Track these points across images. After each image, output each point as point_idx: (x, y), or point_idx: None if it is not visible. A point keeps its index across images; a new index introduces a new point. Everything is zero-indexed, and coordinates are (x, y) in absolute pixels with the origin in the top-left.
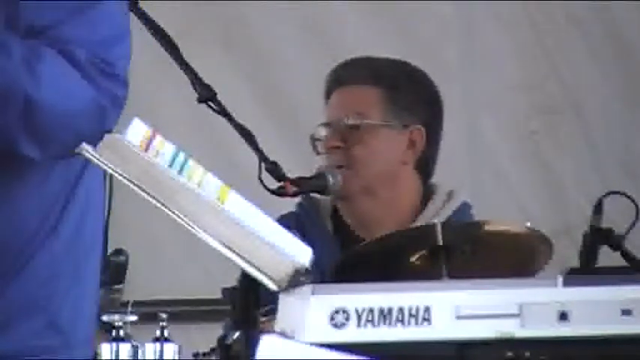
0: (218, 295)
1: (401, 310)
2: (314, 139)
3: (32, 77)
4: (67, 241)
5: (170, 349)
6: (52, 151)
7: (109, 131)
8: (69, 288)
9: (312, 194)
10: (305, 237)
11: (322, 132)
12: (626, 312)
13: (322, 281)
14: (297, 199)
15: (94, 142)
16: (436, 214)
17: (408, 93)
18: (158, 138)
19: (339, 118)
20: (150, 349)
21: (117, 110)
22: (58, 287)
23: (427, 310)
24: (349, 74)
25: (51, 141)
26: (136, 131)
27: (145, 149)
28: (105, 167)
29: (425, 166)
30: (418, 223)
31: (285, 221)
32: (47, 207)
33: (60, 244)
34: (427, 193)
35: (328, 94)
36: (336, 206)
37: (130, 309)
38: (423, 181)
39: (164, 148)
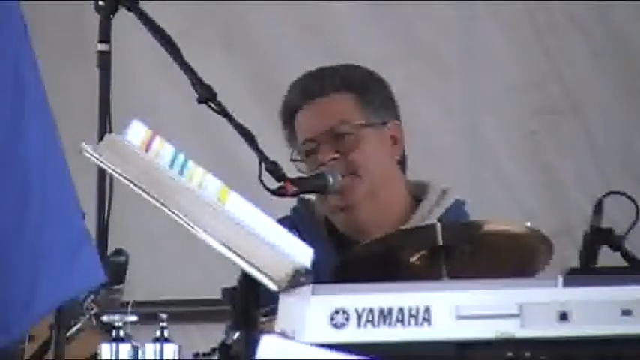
0: (218, 295)
1: (401, 310)
2: (295, 161)
3: None
4: None
5: (170, 349)
6: None
7: None
8: None
9: (306, 198)
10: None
11: (303, 153)
12: (626, 312)
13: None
14: (292, 204)
15: None
16: (430, 212)
17: (377, 91)
18: (158, 139)
19: (324, 130)
20: (150, 349)
21: None
22: None
23: (427, 310)
24: (320, 86)
25: None
26: (136, 132)
27: (145, 150)
28: (105, 167)
29: (403, 159)
30: (413, 222)
31: (280, 226)
32: None
33: None
34: (420, 191)
35: (293, 112)
36: (327, 217)
37: (130, 309)
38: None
39: (164, 150)
